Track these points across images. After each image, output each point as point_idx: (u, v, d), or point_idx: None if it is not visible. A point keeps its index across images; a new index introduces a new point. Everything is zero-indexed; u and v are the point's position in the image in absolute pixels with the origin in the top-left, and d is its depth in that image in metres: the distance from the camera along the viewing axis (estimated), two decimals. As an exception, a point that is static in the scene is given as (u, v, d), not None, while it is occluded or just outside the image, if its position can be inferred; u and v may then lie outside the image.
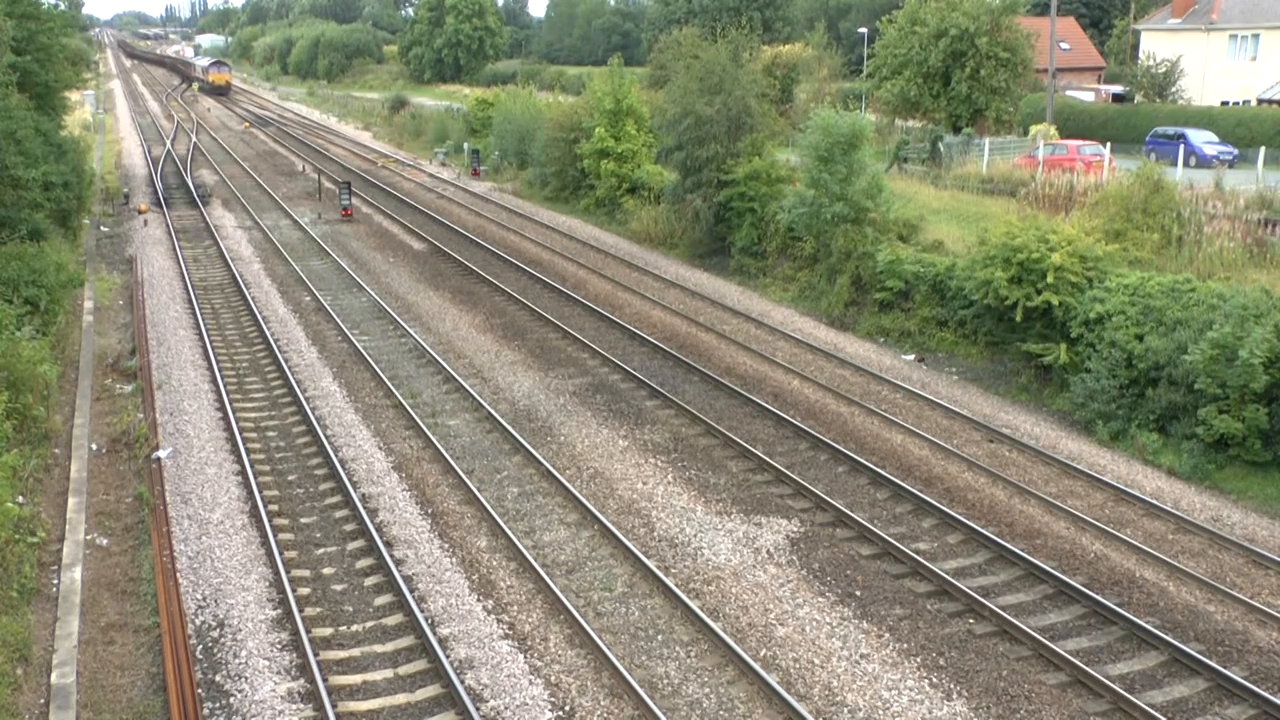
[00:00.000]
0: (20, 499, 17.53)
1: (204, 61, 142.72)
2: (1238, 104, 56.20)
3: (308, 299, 32.81)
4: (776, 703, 13.30)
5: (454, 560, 16.84)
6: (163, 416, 22.45)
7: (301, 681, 13.72)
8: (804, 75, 60.95)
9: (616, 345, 27.98)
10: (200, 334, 28.25)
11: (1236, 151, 42.92)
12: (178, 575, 16.13)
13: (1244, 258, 25.53)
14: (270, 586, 15.93)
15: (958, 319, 26.96)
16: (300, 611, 15.06)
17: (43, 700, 13.39)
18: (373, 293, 33.17)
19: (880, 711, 13.33)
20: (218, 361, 25.86)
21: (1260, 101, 55.42)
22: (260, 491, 18.77)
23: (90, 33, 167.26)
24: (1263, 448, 19.75)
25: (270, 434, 22.00)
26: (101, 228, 42.96)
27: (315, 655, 14.07)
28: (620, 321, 29.87)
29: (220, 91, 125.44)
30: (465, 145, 63.74)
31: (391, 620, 15.22)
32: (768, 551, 17.25)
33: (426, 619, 15.01)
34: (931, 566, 16.43)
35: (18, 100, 31.29)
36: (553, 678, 13.90)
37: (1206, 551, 17.36)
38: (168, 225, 43.51)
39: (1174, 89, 60.12)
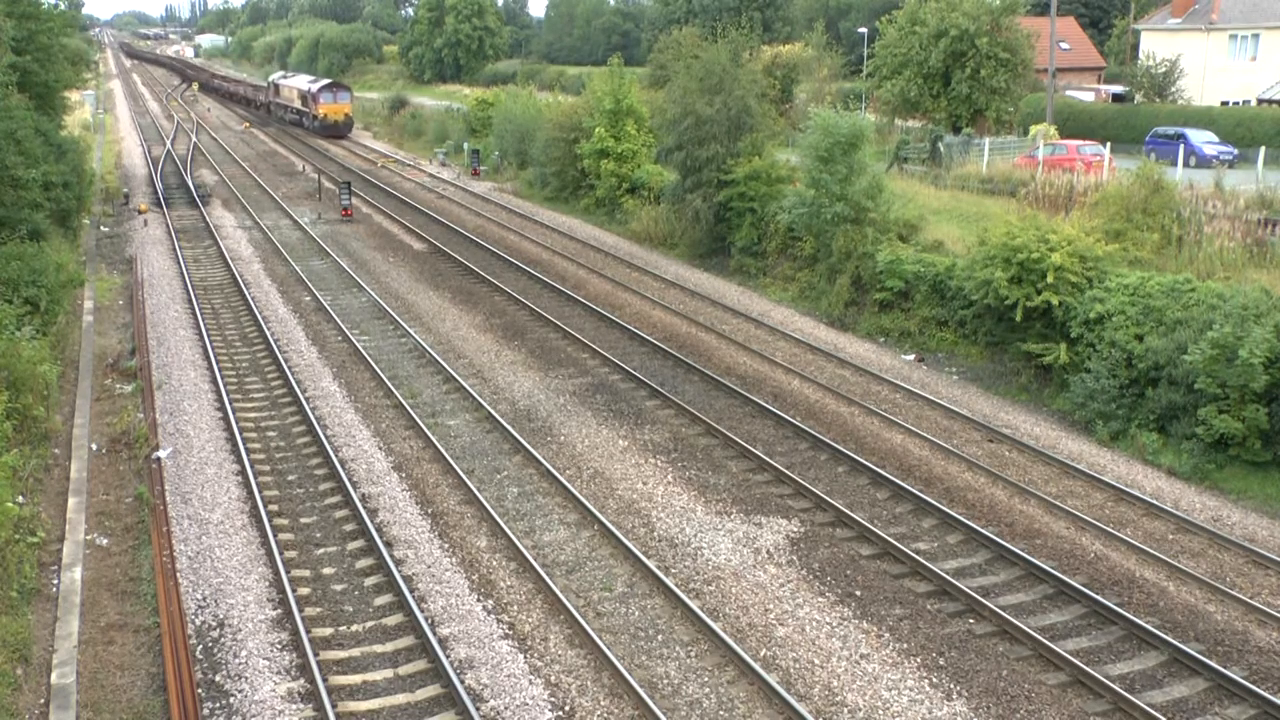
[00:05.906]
0: (20, 499, 17.52)
1: (303, 83, 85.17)
2: (1238, 104, 56.18)
3: (308, 299, 32.80)
4: (776, 703, 13.30)
5: (454, 560, 16.84)
6: (163, 416, 22.45)
7: (301, 681, 13.72)
8: (804, 75, 60.97)
9: (616, 345, 27.97)
10: (200, 334, 28.24)
11: (1236, 151, 42.90)
12: (178, 575, 16.13)
13: (1244, 258, 25.50)
14: (270, 586, 15.93)
15: (958, 319, 26.95)
16: (300, 611, 15.06)
17: (43, 700, 13.38)
18: (373, 293, 33.17)
19: (880, 711, 13.33)
20: (218, 361, 25.85)
21: (1260, 101, 55.40)
22: (260, 491, 18.78)
23: (90, 33, 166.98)
24: (1263, 448, 19.75)
25: (270, 434, 22.00)
26: (101, 228, 42.95)
27: (315, 655, 14.07)
28: (620, 321, 29.86)
29: (336, 133, 77.92)
30: (465, 145, 63.73)
31: (391, 620, 15.22)
32: (768, 551, 17.25)
33: (426, 619, 15.01)
34: (931, 566, 16.43)
35: (18, 100, 31.30)
36: (553, 678, 13.90)
37: (1206, 551, 17.36)
38: (168, 225, 43.51)
39: (1174, 89, 60.11)
